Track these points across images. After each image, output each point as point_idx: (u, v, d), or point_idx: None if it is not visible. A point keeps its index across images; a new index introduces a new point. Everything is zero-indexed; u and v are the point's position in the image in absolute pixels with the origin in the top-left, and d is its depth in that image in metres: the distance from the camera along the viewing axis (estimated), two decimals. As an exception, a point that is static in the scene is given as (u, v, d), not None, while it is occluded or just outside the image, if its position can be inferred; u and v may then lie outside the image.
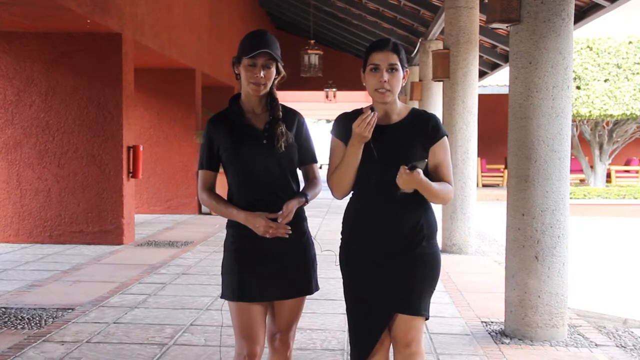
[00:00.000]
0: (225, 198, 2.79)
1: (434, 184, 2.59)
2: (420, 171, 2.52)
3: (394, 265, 2.65)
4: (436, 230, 2.75)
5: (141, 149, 8.80)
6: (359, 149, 2.62)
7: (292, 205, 2.67)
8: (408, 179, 2.51)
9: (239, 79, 2.81)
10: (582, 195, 14.97)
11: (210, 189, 2.80)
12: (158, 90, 11.86)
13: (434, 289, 2.76)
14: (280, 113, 2.77)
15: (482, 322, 5.03)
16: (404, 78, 2.68)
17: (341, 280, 2.81)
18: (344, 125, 2.69)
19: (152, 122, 11.96)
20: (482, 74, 12.58)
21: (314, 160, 2.87)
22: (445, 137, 2.70)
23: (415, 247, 2.65)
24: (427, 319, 2.76)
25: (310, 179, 2.85)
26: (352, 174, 2.65)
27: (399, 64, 2.63)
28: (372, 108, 2.60)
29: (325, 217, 11.79)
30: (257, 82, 2.70)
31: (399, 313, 2.67)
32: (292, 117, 2.81)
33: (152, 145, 11.90)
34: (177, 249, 8.28)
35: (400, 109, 2.73)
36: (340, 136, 2.71)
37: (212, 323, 4.87)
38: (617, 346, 4.52)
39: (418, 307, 2.68)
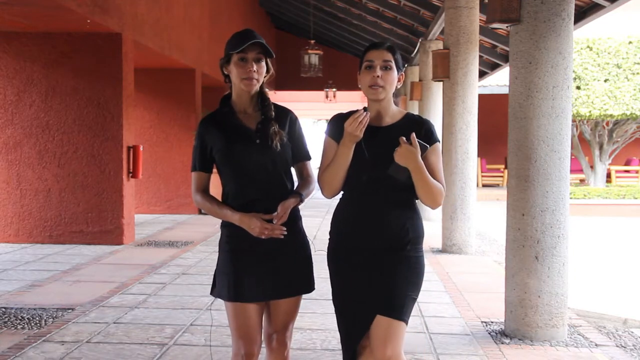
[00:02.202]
0: (220, 199, 2.79)
1: (428, 175, 2.58)
2: (419, 150, 2.52)
3: (378, 266, 2.64)
4: (422, 236, 2.73)
5: (141, 149, 8.80)
6: (350, 148, 2.63)
7: (287, 205, 2.67)
8: (406, 152, 2.52)
9: (227, 82, 2.80)
10: (582, 195, 14.97)
11: (204, 190, 2.80)
12: (158, 90, 11.86)
13: (416, 297, 2.71)
14: (273, 112, 2.76)
15: (482, 322, 5.03)
16: (399, 81, 2.68)
17: None
18: (337, 126, 2.70)
19: (152, 122, 11.96)
20: (482, 74, 12.58)
21: (307, 157, 2.87)
22: (438, 143, 2.69)
23: (400, 250, 2.64)
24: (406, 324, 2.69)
25: (304, 177, 2.86)
26: (342, 174, 2.66)
27: (393, 63, 2.64)
28: (365, 108, 2.62)
29: (325, 217, 11.79)
30: (249, 76, 2.68)
31: (379, 314, 2.62)
32: (284, 115, 2.80)
33: (152, 145, 11.90)
34: (177, 249, 8.28)
35: (394, 112, 2.73)
36: (334, 136, 2.72)
37: (212, 323, 4.87)
38: (617, 346, 4.52)
39: (400, 310, 2.62)
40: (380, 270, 2.64)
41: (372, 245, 2.64)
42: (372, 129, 2.64)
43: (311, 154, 2.91)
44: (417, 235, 2.68)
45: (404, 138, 2.54)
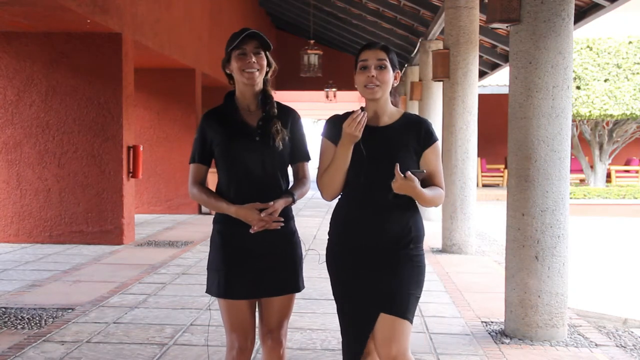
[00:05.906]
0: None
1: (427, 192, 2.59)
2: (417, 180, 2.52)
3: (380, 264, 2.64)
4: (423, 235, 2.74)
5: (141, 149, 8.80)
6: (348, 149, 2.62)
7: (278, 205, 2.68)
8: (404, 185, 2.51)
9: (231, 83, 2.82)
10: (582, 195, 14.97)
11: (200, 183, 2.81)
12: (158, 90, 11.86)
13: (419, 296, 2.71)
14: (275, 110, 2.77)
15: (482, 322, 5.03)
16: (395, 79, 2.69)
17: None
18: (334, 127, 2.70)
19: (152, 122, 11.96)
20: (482, 74, 12.58)
21: (306, 158, 2.87)
22: (437, 141, 2.71)
23: (402, 249, 2.64)
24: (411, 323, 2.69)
25: (300, 178, 2.86)
26: (342, 175, 2.66)
27: (387, 61, 2.65)
28: (362, 108, 2.63)
29: (325, 217, 11.78)
30: (250, 67, 2.70)
31: (383, 313, 2.62)
32: (287, 115, 2.81)
33: (152, 145, 11.90)
34: (177, 249, 8.28)
35: (392, 111, 2.74)
36: (331, 137, 2.71)
37: (212, 323, 4.87)
38: (617, 346, 4.52)
39: (404, 309, 2.62)
40: (383, 269, 2.63)
41: (375, 244, 2.64)
42: (370, 128, 2.64)
43: (311, 155, 2.92)
44: (418, 233, 2.69)
45: (399, 171, 2.50)
